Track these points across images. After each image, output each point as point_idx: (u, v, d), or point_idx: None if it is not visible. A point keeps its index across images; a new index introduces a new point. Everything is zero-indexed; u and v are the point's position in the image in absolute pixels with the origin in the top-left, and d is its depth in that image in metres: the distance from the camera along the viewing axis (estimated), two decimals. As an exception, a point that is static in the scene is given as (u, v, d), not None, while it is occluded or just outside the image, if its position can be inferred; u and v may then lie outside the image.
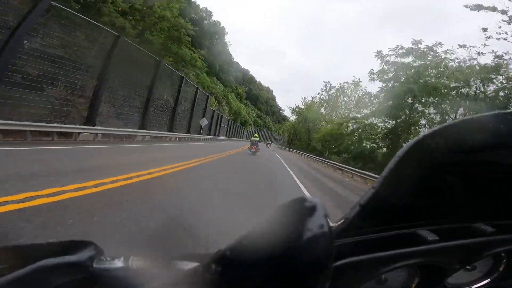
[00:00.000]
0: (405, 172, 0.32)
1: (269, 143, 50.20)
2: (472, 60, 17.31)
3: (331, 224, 0.22)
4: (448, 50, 19.32)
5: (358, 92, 33.87)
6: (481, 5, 15.03)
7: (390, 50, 23.11)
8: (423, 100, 20.30)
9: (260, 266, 0.20)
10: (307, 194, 5.85)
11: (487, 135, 0.32)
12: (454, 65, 18.77)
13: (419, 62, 20.75)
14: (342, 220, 0.32)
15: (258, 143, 16.02)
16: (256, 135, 17.45)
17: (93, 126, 9.49)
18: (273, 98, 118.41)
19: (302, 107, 51.39)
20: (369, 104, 27.79)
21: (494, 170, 0.36)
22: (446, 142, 0.32)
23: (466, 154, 0.33)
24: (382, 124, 24.22)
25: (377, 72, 23.29)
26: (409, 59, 21.20)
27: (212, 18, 47.93)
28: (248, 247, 0.22)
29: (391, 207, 0.34)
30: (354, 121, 26.56)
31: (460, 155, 0.33)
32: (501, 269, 0.42)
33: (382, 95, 23.73)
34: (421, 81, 19.83)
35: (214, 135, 32.16)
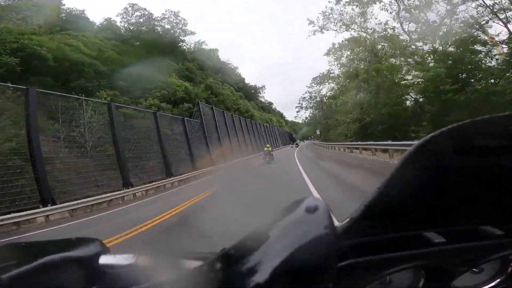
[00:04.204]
0: (412, 173, 0.31)
1: (297, 144, 54.31)
2: None
3: (335, 224, 0.22)
4: None
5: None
6: None
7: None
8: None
9: (263, 266, 0.20)
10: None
11: (497, 137, 0.32)
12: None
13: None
14: (347, 221, 0.32)
15: (272, 153, 17.96)
16: (268, 145, 20.16)
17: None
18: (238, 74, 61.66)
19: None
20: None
21: (504, 172, 0.35)
22: (454, 143, 0.31)
23: (475, 155, 0.33)
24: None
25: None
26: None
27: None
28: (252, 246, 0.22)
29: (396, 209, 0.33)
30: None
31: (469, 157, 0.33)
32: (508, 271, 0.41)
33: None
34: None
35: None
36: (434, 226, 0.36)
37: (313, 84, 44.75)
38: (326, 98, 40.79)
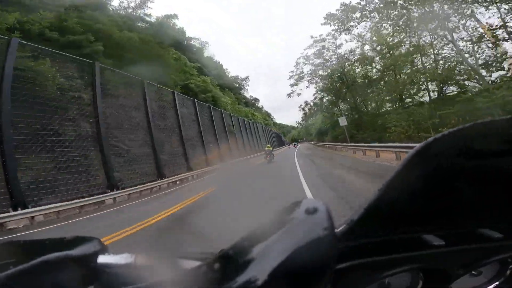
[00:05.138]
0: (412, 176, 0.31)
1: (295, 144, 55.57)
2: None
3: (335, 226, 0.22)
4: None
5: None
6: None
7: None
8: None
9: (262, 267, 0.20)
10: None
11: (498, 140, 0.32)
12: None
13: None
14: (347, 223, 0.32)
15: (273, 152, 18.27)
16: (268, 145, 19.61)
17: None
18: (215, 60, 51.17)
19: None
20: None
21: (504, 175, 0.35)
22: (455, 146, 0.31)
23: (475, 159, 0.33)
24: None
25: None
26: None
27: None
28: (251, 247, 0.22)
29: (396, 211, 0.33)
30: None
31: (469, 160, 0.33)
32: (507, 274, 0.41)
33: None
34: None
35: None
36: (433, 229, 0.36)
37: (324, 37, 23.94)
38: (356, 62, 21.64)
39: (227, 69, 56.47)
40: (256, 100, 73.21)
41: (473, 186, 0.35)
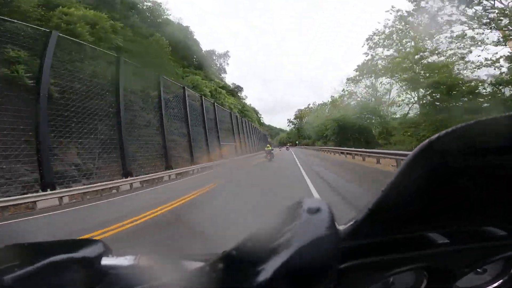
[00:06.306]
0: (417, 174, 0.31)
1: (287, 147, 51.58)
2: None
3: (338, 226, 0.22)
4: None
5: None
6: None
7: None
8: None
9: (265, 266, 0.20)
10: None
11: (502, 138, 0.31)
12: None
13: None
14: (350, 223, 0.32)
15: (272, 152, 20.45)
16: (268, 145, 21.58)
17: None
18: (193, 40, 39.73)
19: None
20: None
21: (507, 173, 0.34)
22: (459, 144, 0.31)
23: (479, 157, 0.32)
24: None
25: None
26: None
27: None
28: (253, 247, 0.22)
29: (400, 211, 0.33)
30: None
31: (473, 158, 0.32)
32: (511, 272, 0.41)
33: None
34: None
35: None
36: (438, 227, 0.36)
37: None
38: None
39: (194, 30, 40.07)
40: (238, 88, 59.13)
41: (477, 184, 0.34)
